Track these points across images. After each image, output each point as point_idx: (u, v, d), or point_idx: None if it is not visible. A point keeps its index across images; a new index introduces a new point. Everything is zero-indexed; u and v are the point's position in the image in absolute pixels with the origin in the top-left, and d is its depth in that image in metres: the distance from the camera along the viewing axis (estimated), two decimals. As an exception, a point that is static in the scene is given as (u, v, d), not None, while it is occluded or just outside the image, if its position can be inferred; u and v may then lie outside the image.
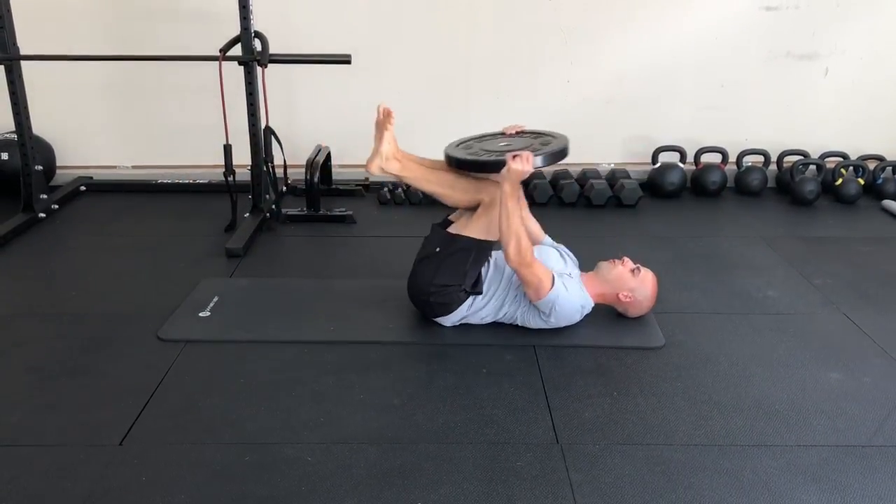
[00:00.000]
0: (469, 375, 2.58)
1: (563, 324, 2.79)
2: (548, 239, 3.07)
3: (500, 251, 2.90)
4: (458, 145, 2.97)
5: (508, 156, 2.62)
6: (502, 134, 3.04)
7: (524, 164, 2.60)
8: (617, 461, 2.15)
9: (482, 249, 2.79)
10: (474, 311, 2.82)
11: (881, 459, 2.17)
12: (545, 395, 2.46)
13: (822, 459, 2.16)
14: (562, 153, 2.79)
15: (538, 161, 2.68)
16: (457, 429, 2.29)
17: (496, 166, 2.67)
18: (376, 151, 2.83)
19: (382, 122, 2.82)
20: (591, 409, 2.39)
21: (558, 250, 3.00)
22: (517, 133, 3.02)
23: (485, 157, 2.77)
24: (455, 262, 2.76)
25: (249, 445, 2.20)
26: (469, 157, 2.80)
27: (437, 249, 2.79)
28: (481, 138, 3.03)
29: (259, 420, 2.33)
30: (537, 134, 2.99)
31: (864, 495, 2.04)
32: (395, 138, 2.85)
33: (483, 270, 2.83)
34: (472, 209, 2.82)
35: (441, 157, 2.91)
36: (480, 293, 2.80)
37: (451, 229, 2.82)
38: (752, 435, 2.27)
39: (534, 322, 2.80)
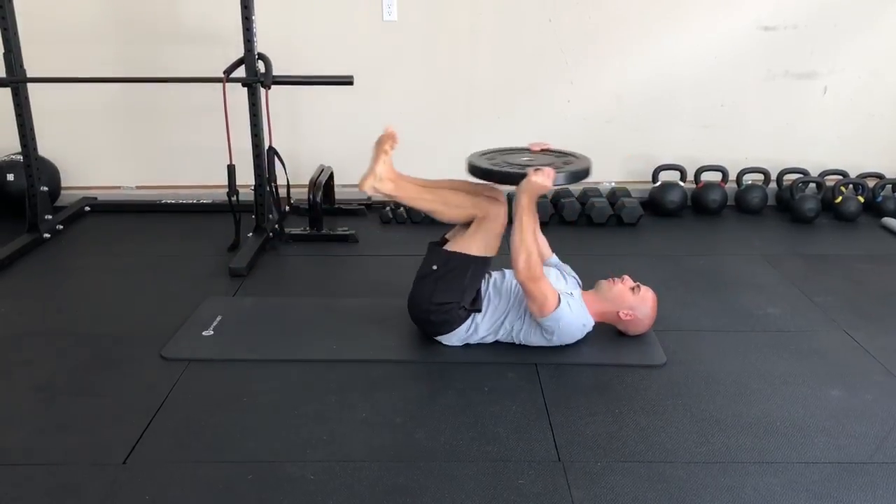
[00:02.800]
0: (471, 393, 2.58)
1: (564, 342, 2.80)
2: (554, 258, 3.08)
3: (498, 272, 2.92)
4: (481, 155, 3.00)
5: (530, 169, 2.66)
6: (527, 150, 3.06)
7: (545, 178, 2.64)
8: (618, 479, 2.15)
9: (479, 265, 2.80)
10: (474, 330, 2.83)
11: (883, 476, 2.17)
12: (547, 412, 2.47)
13: (823, 477, 2.17)
14: (583, 173, 2.83)
15: (560, 178, 2.72)
16: (459, 447, 2.29)
17: (517, 178, 2.71)
18: (371, 171, 2.85)
19: (383, 142, 2.84)
20: (593, 427, 2.39)
21: (560, 270, 3.01)
22: (542, 150, 3.05)
23: (506, 169, 2.80)
24: (453, 280, 2.77)
25: (252, 464, 2.21)
26: (492, 167, 2.82)
27: (435, 268, 2.81)
28: (505, 151, 3.06)
29: (262, 439, 2.33)
30: (561, 153, 3.02)
31: (866, 512, 2.04)
32: (392, 161, 2.88)
33: (482, 288, 2.85)
34: (468, 226, 2.85)
35: (435, 177, 2.95)
36: (479, 310, 2.81)
37: (448, 247, 2.84)
38: (753, 452, 2.28)
39: (535, 339, 2.81)
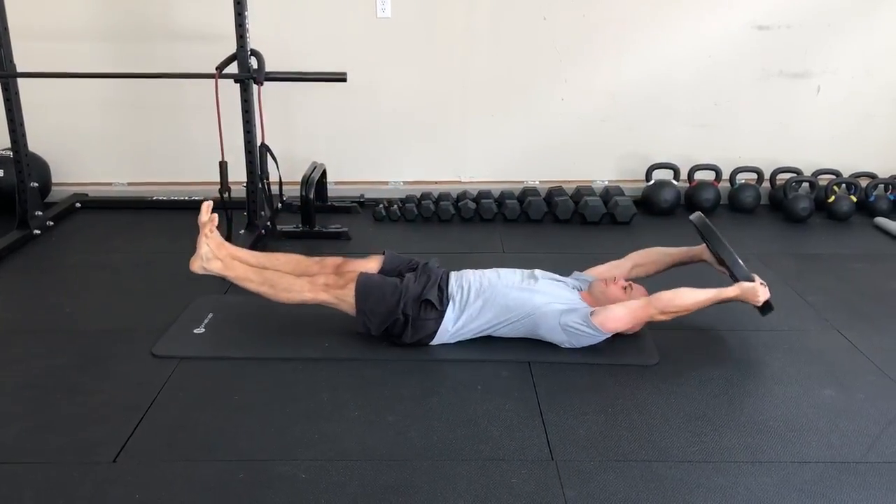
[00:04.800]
0: (464, 392, 2.58)
1: (572, 344, 2.80)
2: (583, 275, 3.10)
3: (493, 271, 2.92)
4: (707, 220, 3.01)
5: (758, 279, 2.82)
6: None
7: (764, 295, 2.81)
8: (611, 478, 2.15)
9: (369, 286, 2.80)
10: (463, 324, 2.82)
11: (875, 476, 2.17)
12: (540, 411, 2.46)
13: (816, 476, 2.17)
14: (772, 310, 2.89)
15: (766, 302, 2.83)
16: (451, 446, 2.29)
17: (740, 272, 2.82)
18: (197, 253, 2.89)
19: (203, 225, 2.88)
20: (586, 426, 2.39)
21: (570, 281, 3.02)
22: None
23: (736, 256, 2.85)
24: (388, 321, 2.78)
25: (243, 462, 2.20)
26: (728, 246, 2.86)
27: (374, 335, 2.83)
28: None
29: (253, 437, 2.32)
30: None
31: (859, 512, 2.04)
32: (218, 235, 2.93)
33: (443, 293, 2.84)
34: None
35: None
36: (445, 306, 2.80)
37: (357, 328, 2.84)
38: (746, 452, 2.27)
39: (545, 331, 2.79)
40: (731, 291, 2.80)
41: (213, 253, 2.89)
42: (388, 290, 2.80)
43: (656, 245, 3.28)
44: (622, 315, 2.74)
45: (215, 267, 2.89)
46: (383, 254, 3.04)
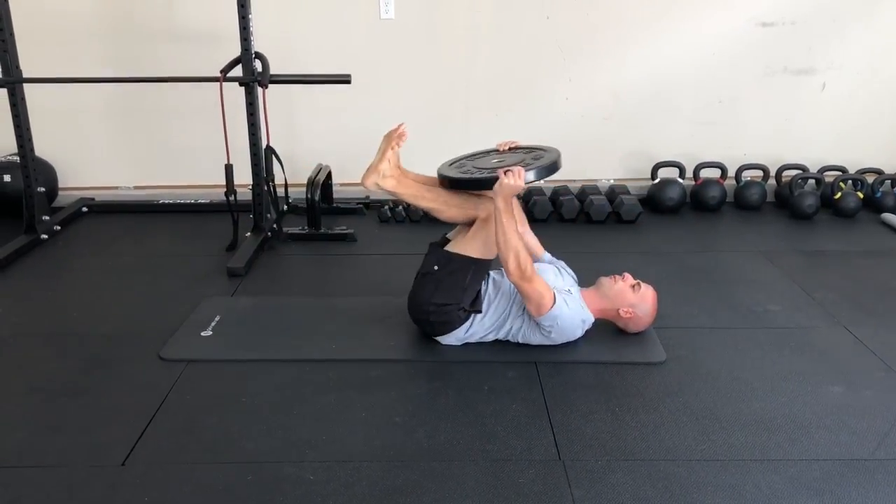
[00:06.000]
0: (471, 392, 2.58)
1: (564, 339, 2.80)
2: (547, 255, 3.08)
3: (496, 271, 2.91)
4: (450, 164, 2.99)
5: (500, 171, 2.65)
6: (496, 151, 3.05)
7: (516, 179, 2.62)
8: (619, 477, 2.14)
9: (480, 267, 2.79)
10: (474, 331, 2.83)
11: (884, 473, 2.17)
12: (547, 411, 2.46)
13: (824, 473, 2.16)
14: (553, 166, 2.79)
15: (530, 175, 2.68)
16: (459, 446, 2.29)
17: (488, 183, 2.69)
18: (374, 167, 2.86)
19: (391, 139, 2.85)
20: (593, 425, 2.39)
21: (556, 266, 3.01)
22: (510, 149, 3.03)
23: (476, 175, 2.79)
24: (453, 281, 2.76)
25: (251, 465, 2.20)
26: (461, 176, 2.81)
27: (436, 268, 2.80)
28: (474, 156, 3.05)
29: (261, 439, 2.33)
30: (530, 149, 2.99)
31: (868, 509, 2.04)
32: (398, 157, 2.89)
33: (482, 288, 2.84)
34: (469, 226, 2.84)
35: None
36: (480, 311, 2.81)
37: (449, 247, 2.83)
38: (753, 449, 2.27)
39: (535, 338, 2.80)
40: (497, 203, 2.63)
41: (391, 170, 2.86)
42: (479, 285, 2.81)
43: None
44: (529, 294, 2.67)
45: (389, 185, 2.86)
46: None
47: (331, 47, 4.46)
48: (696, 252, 3.92)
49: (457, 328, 2.81)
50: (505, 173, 2.63)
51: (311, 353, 2.85)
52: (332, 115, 4.61)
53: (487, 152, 3.07)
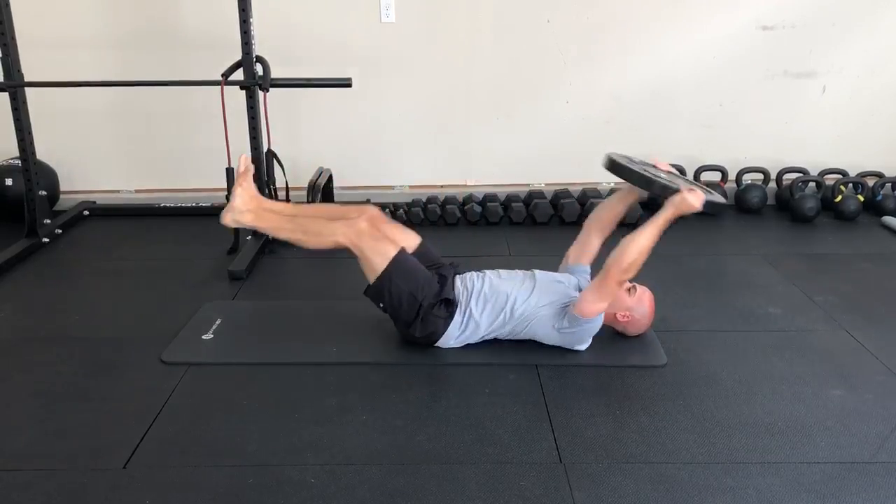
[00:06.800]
0: (472, 396, 2.58)
1: (570, 345, 2.81)
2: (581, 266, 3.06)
3: (493, 272, 2.92)
4: (618, 158, 2.92)
5: (685, 186, 2.69)
6: (653, 164, 3.01)
7: (696, 200, 2.66)
8: (620, 480, 2.15)
9: (398, 268, 2.76)
10: (473, 330, 2.83)
11: (885, 476, 2.17)
12: (548, 414, 2.46)
13: (825, 476, 2.16)
14: (722, 208, 2.84)
15: (705, 204, 2.70)
16: (460, 449, 2.29)
17: (664, 190, 2.71)
18: (230, 205, 2.89)
19: (239, 177, 2.88)
20: (594, 428, 2.39)
21: (576, 276, 3.01)
22: (667, 171, 2.99)
23: (652, 175, 2.77)
24: (399, 298, 2.75)
25: (253, 468, 2.20)
26: (638, 169, 2.79)
27: (381, 305, 2.82)
28: (641, 162, 2.99)
29: (262, 442, 2.33)
30: (688, 180, 2.97)
31: (869, 512, 2.04)
32: (252, 188, 2.92)
33: (460, 286, 2.84)
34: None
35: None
36: (455, 307, 2.80)
37: (370, 284, 2.81)
38: (755, 452, 2.27)
39: (543, 333, 2.79)
40: (664, 213, 2.67)
41: (246, 205, 2.88)
42: (420, 273, 2.79)
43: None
44: (592, 296, 2.71)
45: (247, 219, 2.88)
46: (420, 238, 3.01)
47: (332, 51, 4.47)
48: (697, 255, 3.92)
49: (446, 331, 2.81)
50: (689, 191, 2.67)
51: (312, 356, 2.85)
52: (333, 118, 4.61)
53: (644, 162, 3.02)
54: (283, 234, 2.89)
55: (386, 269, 2.74)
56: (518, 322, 2.81)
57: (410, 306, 2.75)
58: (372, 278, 2.79)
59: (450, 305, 2.79)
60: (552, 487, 2.12)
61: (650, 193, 2.82)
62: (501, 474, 2.17)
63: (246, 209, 2.88)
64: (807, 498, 2.07)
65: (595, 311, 2.72)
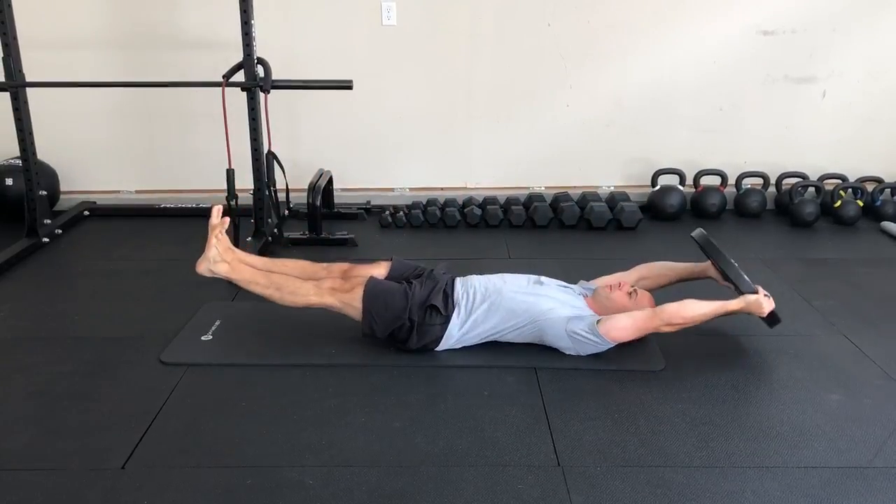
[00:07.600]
0: (470, 398, 2.58)
1: (574, 352, 2.81)
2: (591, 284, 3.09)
3: (498, 275, 2.92)
4: (706, 236, 3.01)
5: (762, 291, 2.84)
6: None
7: (769, 306, 2.82)
8: (618, 483, 2.15)
9: (373, 297, 2.80)
10: (469, 329, 2.83)
11: (883, 481, 2.17)
12: (546, 417, 2.47)
13: (823, 481, 2.16)
14: (778, 322, 2.90)
15: (771, 312, 2.85)
16: (458, 452, 2.29)
17: (743, 285, 2.83)
18: (204, 255, 2.90)
19: (214, 227, 2.89)
20: (593, 432, 2.39)
21: (576, 288, 3.01)
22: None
23: (741, 272, 2.86)
24: (385, 320, 2.78)
25: (251, 469, 2.21)
26: (727, 257, 2.88)
27: (377, 336, 2.83)
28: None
29: (261, 444, 2.33)
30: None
31: (866, 517, 2.04)
32: (227, 240, 2.94)
33: (459, 292, 2.85)
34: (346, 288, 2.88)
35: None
36: (451, 310, 2.81)
37: (363, 328, 2.84)
38: (752, 457, 2.27)
39: (551, 336, 2.79)
40: (735, 304, 2.81)
41: (221, 256, 2.90)
42: (395, 295, 2.81)
43: (664, 254, 3.29)
44: (627, 325, 2.74)
45: (222, 270, 2.90)
46: (391, 260, 3.05)
47: (332, 53, 4.48)
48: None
49: (443, 334, 2.81)
50: (766, 296, 2.83)
51: (311, 358, 2.85)
52: (333, 120, 4.62)
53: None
54: (256, 289, 2.91)
55: (364, 310, 2.79)
56: (523, 326, 2.80)
57: (402, 327, 2.79)
58: (357, 315, 2.83)
59: (442, 311, 2.80)
60: (550, 490, 2.12)
61: (723, 279, 2.92)
62: (499, 477, 2.17)
63: (221, 259, 2.90)
64: (804, 502, 2.08)
65: (620, 338, 2.76)
